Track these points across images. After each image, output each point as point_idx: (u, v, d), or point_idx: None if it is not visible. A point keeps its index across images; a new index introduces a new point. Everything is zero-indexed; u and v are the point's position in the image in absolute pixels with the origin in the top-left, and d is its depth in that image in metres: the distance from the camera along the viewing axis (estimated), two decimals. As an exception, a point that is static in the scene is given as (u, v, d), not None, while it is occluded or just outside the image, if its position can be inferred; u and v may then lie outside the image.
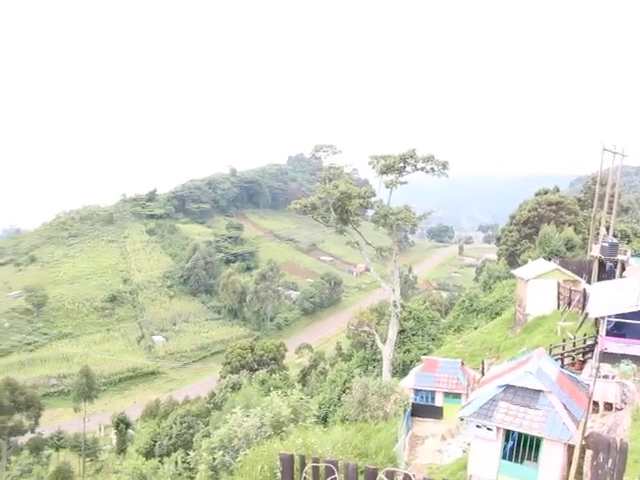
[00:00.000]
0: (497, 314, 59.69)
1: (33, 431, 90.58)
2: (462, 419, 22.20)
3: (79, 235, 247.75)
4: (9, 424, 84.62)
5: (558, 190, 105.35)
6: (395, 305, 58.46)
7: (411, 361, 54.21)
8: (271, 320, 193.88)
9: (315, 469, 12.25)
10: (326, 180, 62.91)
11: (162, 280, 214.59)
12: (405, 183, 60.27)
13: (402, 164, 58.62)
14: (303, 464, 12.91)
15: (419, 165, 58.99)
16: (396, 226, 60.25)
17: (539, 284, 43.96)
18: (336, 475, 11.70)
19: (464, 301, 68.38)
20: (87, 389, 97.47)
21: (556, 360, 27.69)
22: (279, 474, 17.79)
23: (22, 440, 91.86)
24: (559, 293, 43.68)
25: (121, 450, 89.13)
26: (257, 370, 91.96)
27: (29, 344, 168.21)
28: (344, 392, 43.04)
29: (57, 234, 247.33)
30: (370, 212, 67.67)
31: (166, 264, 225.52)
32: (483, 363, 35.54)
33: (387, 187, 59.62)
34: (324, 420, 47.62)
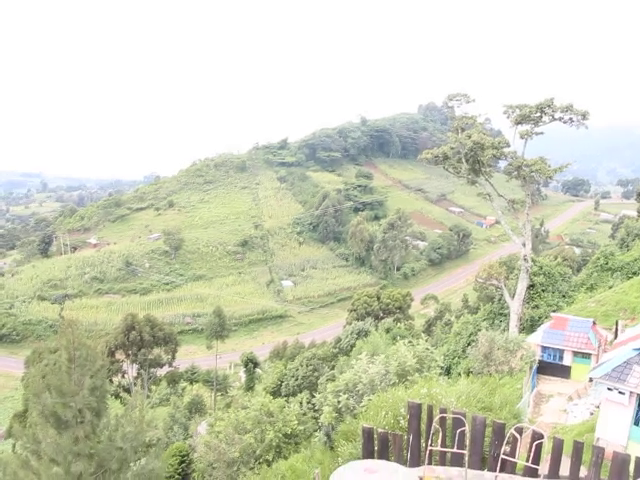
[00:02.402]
0: (634, 274, 56.47)
1: (170, 365, 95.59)
2: (591, 380, 21.47)
3: (213, 181, 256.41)
4: (150, 357, 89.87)
5: None
6: (525, 259, 56.73)
7: (539, 317, 52.70)
8: (398, 269, 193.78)
9: (442, 419, 12.32)
10: (458, 130, 61.22)
11: (292, 226, 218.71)
12: (541, 134, 57.62)
13: (538, 114, 55.96)
14: (430, 413, 13.00)
15: (557, 115, 56.06)
16: (530, 178, 57.96)
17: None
18: (465, 427, 11.72)
19: (599, 258, 65.14)
20: (219, 328, 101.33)
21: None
22: (402, 421, 18.09)
23: (161, 372, 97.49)
24: None
25: (249, 387, 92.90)
26: (383, 318, 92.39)
27: (167, 284, 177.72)
28: (469, 345, 42.70)
29: (193, 180, 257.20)
30: (503, 163, 65.38)
31: (296, 211, 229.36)
32: (617, 324, 33.86)
33: (522, 137, 57.24)
34: (447, 372, 47.46)
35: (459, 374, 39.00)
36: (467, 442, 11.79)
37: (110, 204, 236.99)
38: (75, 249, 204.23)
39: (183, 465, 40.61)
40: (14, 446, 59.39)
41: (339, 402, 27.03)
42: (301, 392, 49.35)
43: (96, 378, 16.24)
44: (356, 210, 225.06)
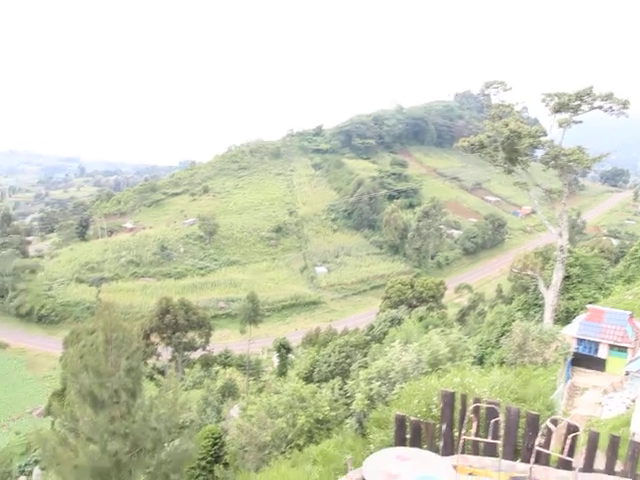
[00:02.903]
0: (674, 266, 55.58)
1: (204, 348, 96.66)
2: (628, 374, 21.21)
3: (248, 167, 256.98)
4: (184, 340, 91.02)
5: None
6: (561, 250, 56.01)
7: (575, 309, 52.08)
8: (432, 258, 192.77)
9: (476, 409, 12.28)
10: (495, 118, 60.49)
11: (326, 213, 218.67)
12: (580, 122, 56.63)
13: (577, 102, 54.97)
14: (464, 403, 12.98)
15: (596, 103, 55.03)
16: (567, 168, 57.10)
17: None
18: (500, 417, 11.68)
19: (637, 250, 64.02)
20: (252, 313, 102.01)
21: None
22: (434, 409, 18.07)
23: (194, 355, 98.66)
24: None
25: (282, 373, 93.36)
26: (416, 307, 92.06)
27: (201, 269, 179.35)
28: (502, 335, 42.42)
29: (228, 166, 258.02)
30: (540, 152, 64.45)
31: (330, 198, 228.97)
32: (655, 317, 33.38)
33: (560, 126, 56.32)
34: (480, 361, 47.24)
35: (492, 364, 38.84)
36: (501, 432, 11.75)
37: (146, 189, 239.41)
38: (112, 233, 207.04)
39: (215, 447, 41.03)
40: (53, 423, 60.81)
41: (371, 389, 27.08)
42: (333, 378, 49.47)
43: (132, 360, 16.52)
44: (391, 198, 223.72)
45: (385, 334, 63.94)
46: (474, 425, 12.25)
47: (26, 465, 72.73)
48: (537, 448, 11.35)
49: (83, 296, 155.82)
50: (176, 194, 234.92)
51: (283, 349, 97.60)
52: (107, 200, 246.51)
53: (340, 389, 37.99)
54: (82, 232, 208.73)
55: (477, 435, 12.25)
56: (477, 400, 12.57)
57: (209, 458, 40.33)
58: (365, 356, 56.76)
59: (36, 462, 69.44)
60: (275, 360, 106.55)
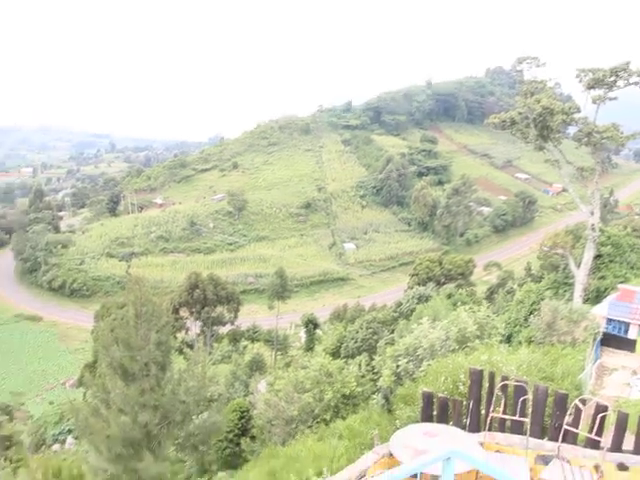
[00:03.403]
0: None
1: (232, 323, 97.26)
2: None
3: (277, 143, 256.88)
4: (212, 315, 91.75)
5: None
6: (593, 229, 55.23)
7: (605, 289, 51.40)
8: (461, 235, 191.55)
9: (504, 387, 12.27)
10: (527, 94, 59.48)
11: (355, 190, 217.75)
12: (615, 99, 55.44)
13: (613, 78, 53.77)
14: (492, 380, 12.95)
15: (632, 79, 53.85)
16: (600, 145, 56.11)
17: None
18: (529, 396, 11.65)
19: (672, 229, 63.08)
20: (281, 289, 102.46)
21: None
22: (461, 387, 18.07)
23: (223, 330, 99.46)
24: None
25: (309, 348, 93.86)
26: (444, 284, 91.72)
27: (230, 244, 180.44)
28: (531, 313, 42.05)
29: (257, 142, 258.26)
30: (572, 129, 63.34)
31: (359, 174, 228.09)
32: (688, 297, 32.83)
33: (594, 103, 55.21)
34: (508, 340, 47.01)
35: (519, 342, 38.60)
36: (529, 410, 11.72)
37: (175, 165, 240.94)
38: (142, 208, 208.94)
39: (243, 421, 41.51)
40: (85, 394, 62.01)
41: (398, 366, 27.13)
42: (360, 354, 49.58)
43: (161, 333, 16.75)
44: (420, 175, 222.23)
45: (413, 311, 63.87)
46: (502, 403, 12.25)
47: (60, 434, 74.27)
48: (565, 427, 11.31)
49: (113, 271, 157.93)
50: (205, 170, 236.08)
51: (311, 324, 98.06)
52: (137, 176, 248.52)
53: (367, 365, 38.07)
54: (113, 207, 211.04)
55: (504, 413, 12.24)
56: (505, 378, 12.55)
57: (236, 431, 40.85)
58: (392, 332, 56.82)
59: (69, 431, 70.92)
60: (302, 335, 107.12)
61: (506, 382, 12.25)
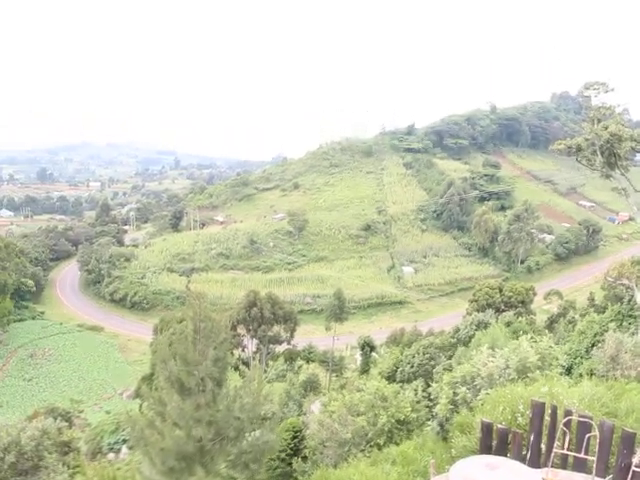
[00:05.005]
0: None
1: (289, 342, 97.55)
2: None
3: (339, 165, 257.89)
4: (269, 333, 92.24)
5: None
6: (662, 260, 53.54)
7: (675, 323, 49.62)
8: (522, 262, 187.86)
9: (568, 422, 11.84)
10: (594, 120, 58.31)
11: (415, 213, 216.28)
12: (688, 126, 54.00)
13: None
14: (554, 414, 12.52)
15: None
16: (672, 174, 54.51)
17: None
18: (596, 433, 11.21)
19: None
20: (338, 310, 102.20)
21: None
22: (520, 418, 17.54)
23: (279, 349, 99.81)
24: None
25: (364, 371, 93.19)
26: (504, 311, 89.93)
27: (289, 263, 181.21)
28: (594, 345, 40.80)
29: (319, 163, 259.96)
30: (642, 157, 61.68)
31: (420, 198, 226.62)
32: None
33: (665, 130, 53.82)
34: (568, 371, 45.71)
35: (580, 375, 37.47)
36: (596, 448, 11.26)
37: (238, 183, 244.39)
38: (203, 225, 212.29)
39: (295, 440, 41.33)
40: (141, 406, 62.86)
41: (455, 394, 26.61)
42: (416, 379, 49.01)
43: (219, 350, 16.80)
44: (482, 200, 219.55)
45: (471, 337, 62.80)
46: (566, 438, 11.80)
47: (115, 443, 75.49)
48: (635, 469, 10.80)
49: (173, 285, 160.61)
50: (267, 189, 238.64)
51: (367, 347, 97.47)
52: (200, 193, 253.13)
53: (423, 391, 37.48)
54: (175, 223, 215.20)
55: (568, 449, 11.79)
56: (569, 412, 12.09)
57: (288, 451, 40.69)
58: (450, 359, 55.98)
59: (124, 441, 71.93)
60: (358, 358, 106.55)
61: (571, 417, 11.81)
